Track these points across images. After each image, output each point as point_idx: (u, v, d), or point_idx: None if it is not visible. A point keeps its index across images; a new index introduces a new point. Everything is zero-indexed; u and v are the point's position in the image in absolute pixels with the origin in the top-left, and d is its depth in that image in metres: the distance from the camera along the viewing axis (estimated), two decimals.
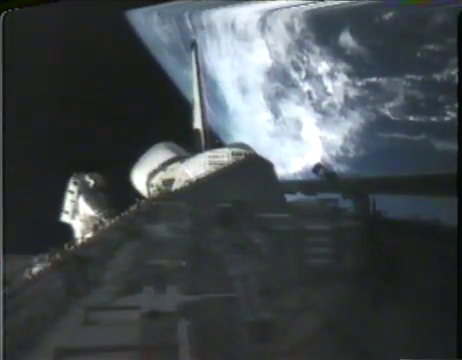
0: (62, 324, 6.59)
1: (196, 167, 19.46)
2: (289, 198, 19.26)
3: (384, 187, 18.07)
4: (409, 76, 31.08)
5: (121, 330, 5.99)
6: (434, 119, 30.15)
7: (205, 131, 27.26)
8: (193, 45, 30.01)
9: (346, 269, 13.85)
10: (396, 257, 13.18)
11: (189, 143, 26.36)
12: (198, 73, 28.27)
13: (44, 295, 7.54)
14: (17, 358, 5.75)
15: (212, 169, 18.74)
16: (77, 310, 6.85)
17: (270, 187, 17.62)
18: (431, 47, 28.37)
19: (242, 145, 22.81)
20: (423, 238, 12.91)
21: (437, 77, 28.84)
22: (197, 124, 27.51)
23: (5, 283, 7.44)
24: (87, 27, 30.01)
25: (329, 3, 30.92)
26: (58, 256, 9.39)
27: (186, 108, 29.33)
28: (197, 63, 28.70)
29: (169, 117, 31.52)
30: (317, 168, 18.02)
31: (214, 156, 19.61)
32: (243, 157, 19.28)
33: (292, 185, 23.33)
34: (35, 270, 8.74)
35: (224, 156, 19.43)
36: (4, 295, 7.05)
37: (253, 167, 18.32)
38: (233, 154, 19.39)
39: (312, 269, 13.71)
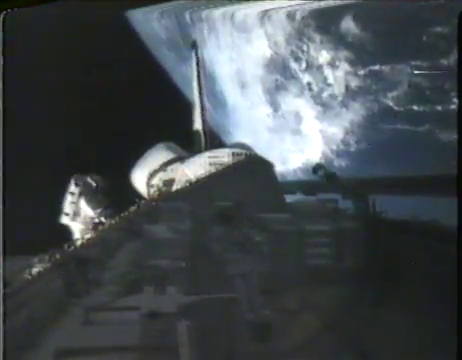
0: (62, 324, 6.58)
1: (196, 167, 19.46)
2: (289, 198, 19.27)
3: (384, 187, 18.08)
4: (414, 62, 29.75)
5: (121, 330, 5.98)
6: (439, 108, 28.87)
7: (205, 131, 27.25)
8: (193, 45, 30.00)
9: (346, 269, 13.85)
10: (396, 257, 13.18)
11: (189, 143, 26.34)
12: (198, 73, 28.26)
13: (44, 295, 7.54)
14: (17, 358, 5.75)
15: (212, 169, 18.75)
16: (77, 310, 6.85)
17: (270, 187, 17.62)
18: (438, 30, 26.93)
19: (242, 145, 22.79)
20: (423, 238, 12.91)
21: (444, 62, 27.36)
22: (197, 124, 27.51)
23: (5, 283, 7.43)
24: (86, 26, 30.01)
25: (331, 2, 30.61)
26: (58, 256, 9.40)
27: (186, 108, 29.30)
28: (197, 63, 28.69)
29: (169, 117, 31.50)
30: (317, 168, 18.02)
31: (214, 156, 19.61)
32: (243, 157, 19.28)
33: (292, 185, 23.33)
34: (35, 270, 8.74)
35: (224, 156, 19.43)
36: (4, 295, 7.05)
37: (253, 167, 18.33)
38: (233, 154, 19.40)
39: (312, 269, 13.71)
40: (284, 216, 15.08)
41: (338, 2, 30.48)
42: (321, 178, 17.58)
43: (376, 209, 15.50)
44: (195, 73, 28.34)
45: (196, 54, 29.04)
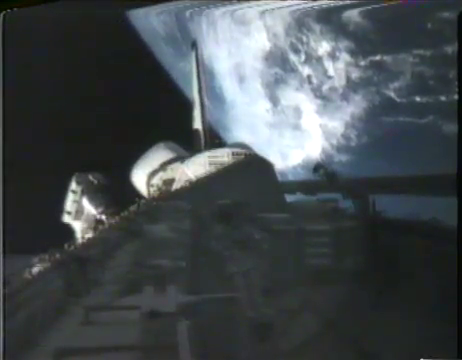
0: (62, 324, 6.58)
1: (196, 167, 19.48)
2: (289, 198, 19.28)
3: (384, 186, 18.08)
4: (417, 51, 28.42)
5: (121, 330, 5.98)
6: (443, 98, 27.72)
7: (205, 131, 27.25)
8: (193, 45, 29.97)
9: (346, 269, 13.85)
10: (396, 257, 13.19)
11: (189, 143, 26.35)
12: (198, 73, 28.24)
13: (44, 295, 7.53)
14: (17, 358, 5.75)
15: (212, 169, 18.77)
16: (77, 310, 6.84)
17: (270, 187, 17.64)
18: (445, 15, 25.24)
19: (242, 145, 22.82)
20: (423, 238, 12.92)
21: (449, 50, 25.94)
22: (197, 124, 27.51)
23: (5, 283, 7.43)
24: (86, 26, 30.00)
25: (332, 3, 30.21)
26: (58, 256, 9.39)
27: (186, 106, 29.26)
28: (197, 63, 28.66)
29: (169, 116, 31.47)
30: (317, 168, 18.01)
31: (214, 156, 19.63)
32: (243, 157, 19.30)
33: (292, 185, 23.35)
34: (35, 270, 8.74)
35: (224, 156, 19.45)
36: (4, 295, 7.05)
37: (253, 167, 18.35)
38: (233, 154, 19.42)
39: (312, 269, 13.72)
40: (284, 216, 15.09)
41: (340, 2, 30.13)
42: (321, 178, 17.58)
43: (376, 209, 15.51)
44: (195, 73, 28.33)
45: (196, 54, 29.02)
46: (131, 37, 38.04)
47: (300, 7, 32.65)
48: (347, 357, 10.71)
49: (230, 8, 35.29)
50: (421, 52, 28.66)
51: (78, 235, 18.14)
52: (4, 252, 8.20)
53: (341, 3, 30.09)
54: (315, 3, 31.41)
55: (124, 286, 8.35)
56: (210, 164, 19.23)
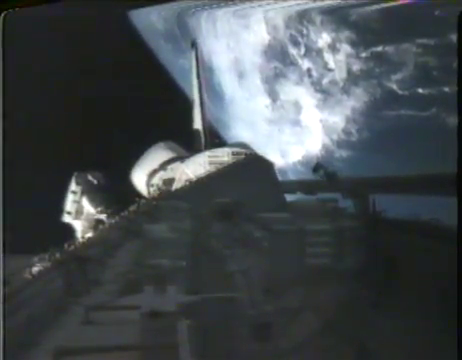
0: (62, 324, 6.58)
1: (196, 167, 19.47)
2: (289, 197, 19.27)
3: (384, 186, 18.05)
4: (420, 40, 27.41)
5: (121, 330, 5.98)
6: (447, 89, 26.71)
7: (205, 130, 27.23)
8: (193, 44, 29.92)
9: (346, 269, 13.85)
10: (396, 257, 13.18)
11: (189, 143, 26.35)
12: (198, 73, 28.20)
13: (44, 295, 7.54)
14: (17, 357, 5.76)
15: (212, 169, 18.77)
16: (77, 309, 6.85)
17: (270, 186, 17.64)
18: (449, 5, 24.96)
19: (242, 144, 22.80)
20: (423, 238, 12.91)
21: (454, 38, 25.76)
22: (197, 124, 27.49)
23: (5, 283, 7.44)
24: (86, 26, 29.99)
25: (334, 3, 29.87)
26: (58, 256, 9.40)
27: (186, 106, 29.24)
28: (197, 63, 28.61)
29: (169, 116, 31.46)
30: (317, 168, 17.98)
31: (214, 156, 19.63)
32: (243, 157, 19.30)
33: (292, 184, 23.33)
34: (35, 270, 8.75)
35: (224, 156, 19.45)
36: (4, 295, 7.06)
37: (253, 167, 18.34)
38: (233, 154, 19.42)
39: (312, 269, 13.72)
40: (284, 215, 15.09)
41: (342, 3, 29.83)
42: (321, 178, 17.55)
43: (376, 208, 15.49)
44: (195, 72, 28.30)
45: (196, 54, 28.98)
46: (131, 36, 38.03)
47: (300, 7, 32.30)
48: (347, 356, 10.72)
49: (231, 6, 34.93)
50: (425, 41, 27.89)
51: (78, 235, 18.16)
52: (4, 252, 8.19)
53: (343, 3, 29.75)
54: (315, 4, 31.19)
55: (124, 286, 8.35)
56: (210, 164, 19.23)
